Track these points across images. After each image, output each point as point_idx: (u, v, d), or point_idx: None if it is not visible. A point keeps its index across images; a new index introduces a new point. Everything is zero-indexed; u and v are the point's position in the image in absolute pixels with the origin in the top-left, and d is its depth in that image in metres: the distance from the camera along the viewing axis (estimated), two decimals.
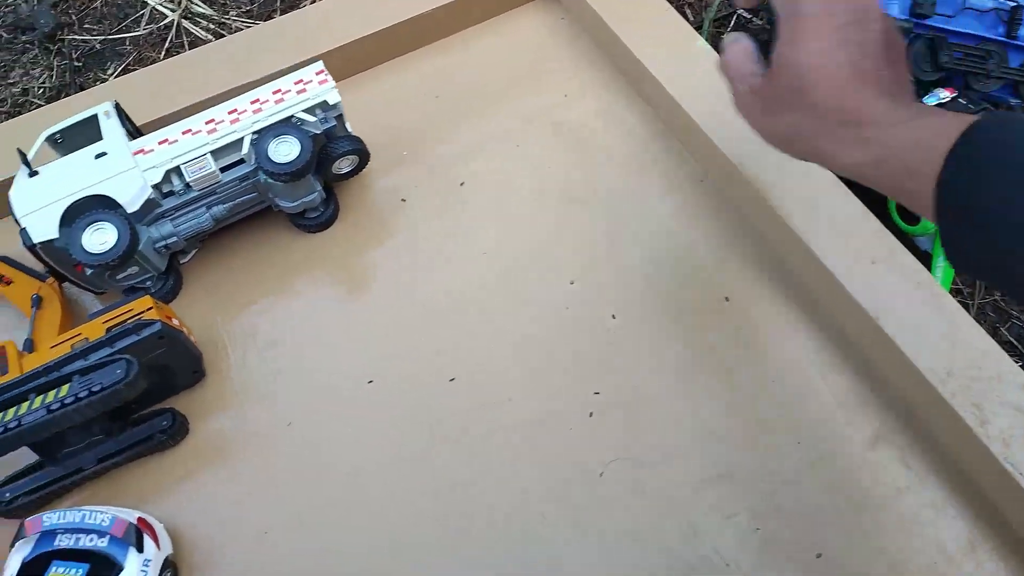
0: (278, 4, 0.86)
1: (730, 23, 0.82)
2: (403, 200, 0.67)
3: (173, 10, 0.85)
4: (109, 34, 0.84)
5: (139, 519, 0.50)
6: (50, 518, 0.49)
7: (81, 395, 0.49)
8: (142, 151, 0.57)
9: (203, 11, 0.85)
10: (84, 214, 0.55)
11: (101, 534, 0.49)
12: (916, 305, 0.56)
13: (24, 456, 0.54)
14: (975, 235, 0.34)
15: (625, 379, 0.58)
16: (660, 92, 0.69)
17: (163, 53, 0.82)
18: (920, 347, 0.54)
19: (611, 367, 0.59)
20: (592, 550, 0.52)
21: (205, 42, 0.82)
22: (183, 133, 0.57)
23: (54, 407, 0.49)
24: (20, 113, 0.79)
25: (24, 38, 0.83)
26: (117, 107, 0.60)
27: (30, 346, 0.56)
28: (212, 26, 0.84)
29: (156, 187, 0.57)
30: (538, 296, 0.62)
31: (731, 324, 0.60)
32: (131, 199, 0.56)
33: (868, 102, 0.39)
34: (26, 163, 0.56)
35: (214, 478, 0.56)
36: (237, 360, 0.60)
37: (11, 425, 0.48)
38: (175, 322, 0.55)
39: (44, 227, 0.54)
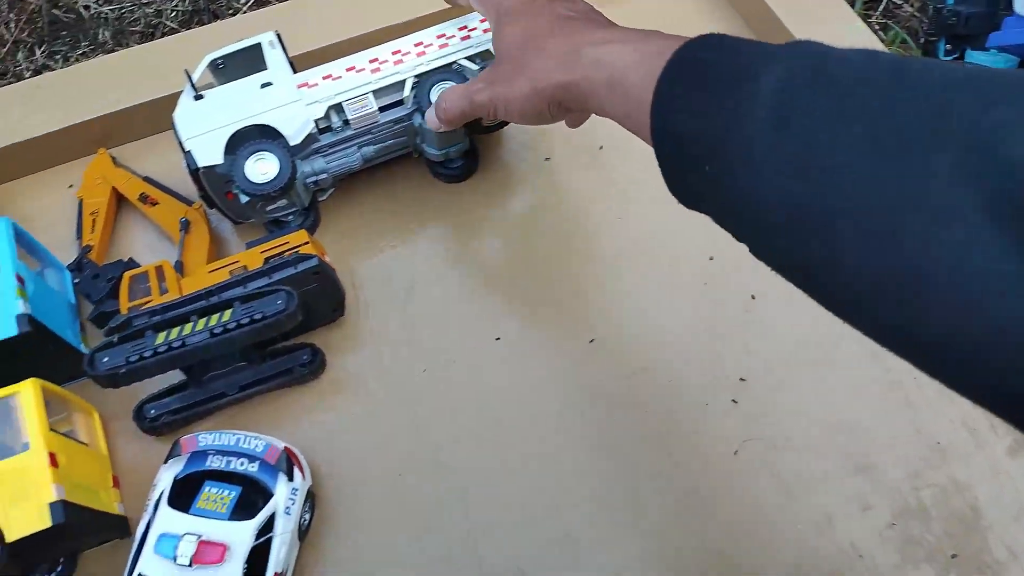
0: None
1: (879, 6, 0.80)
2: (547, 159, 0.66)
3: None
4: None
5: (286, 448, 0.51)
6: (205, 439, 0.50)
7: (243, 322, 0.50)
8: (306, 84, 0.57)
9: None
10: (248, 143, 0.56)
11: (252, 459, 0.50)
12: None
13: (167, 377, 0.55)
14: (679, 161, 0.34)
15: (765, 362, 0.58)
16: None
17: None
18: None
19: (750, 348, 0.58)
20: (720, 529, 0.52)
21: None
22: (347, 70, 0.57)
23: (217, 331, 0.50)
24: (152, 35, 0.79)
25: None
26: (279, 38, 0.59)
27: (180, 269, 0.57)
28: None
29: (316, 122, 0.57)
30: (678, 269, 0.61)
31: None
32: (294, 132, 0.56)
33: (585, 29, 0.42)
34: (192, 86, 0.56)
35: (350, 416, 0.56)
36: (372, 302, 0.60)
37: (175, 345, 0.49)
38: (327, 259, 0.55)
39: (209, 152, 0.55)
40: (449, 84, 0.57)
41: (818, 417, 0.56)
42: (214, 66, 0.58)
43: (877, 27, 0.79)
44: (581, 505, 0.53)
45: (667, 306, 0.60)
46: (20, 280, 0.51)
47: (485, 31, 0.59)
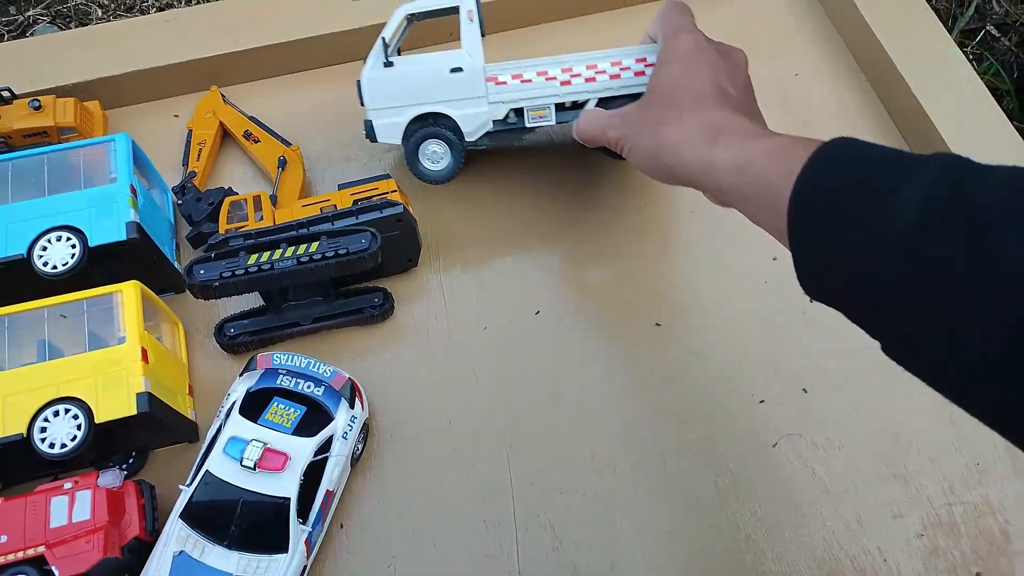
0: None
1: (977, 37, 0.80)
2: None
3: None
4: None
5: (351, 379, 0.55)
6: (279, 358, 0.54)
7: (328, 254, 0.54)
8: (495, 80, 0.55)
9: None
10: (425, 126, 0.56)
11: (319, 383, 0.53)
12: None
13: (248, 300, 0.59)
14: (816, 259, 0.35)
15: (817, 364, 0.59)
16: (897, 84, 0.68)
17: None
18: None
19: (804, 348, 0.59)
20: (751, 515, 0.54)
21: None
22: (538, 74, 0.55)
23: (303, 259, 0.53)
24: None
25: None
26: (478, 5, 0.56)
27: (274, 201, 0.61)
28: None
29: (494, 121, 0.57)
30: (744, 265, 0.63)
31: None
32: (473, 130, 0.57)
33: (728, 116, 0.43)
34: (385, 49, 0.55)
35: (410, 361, 0.59)
36: (446, 259, 0.63)
37: (265, 267, 0.53)
38: (411, 209, 0.59)
39: (390, 132, 0.57)
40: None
41: (862, 422, 0.57)
42: (409, 18, 0.57)
43: (972, 56, 0.79)
44: (618, 473, 0.55)
45: (730, 300, 0.62)
46: (133, 191, 0.56)
47: None
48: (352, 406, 0.53)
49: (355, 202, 0.57)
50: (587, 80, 0.55)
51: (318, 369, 0.54)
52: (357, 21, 0.71)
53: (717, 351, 0.60)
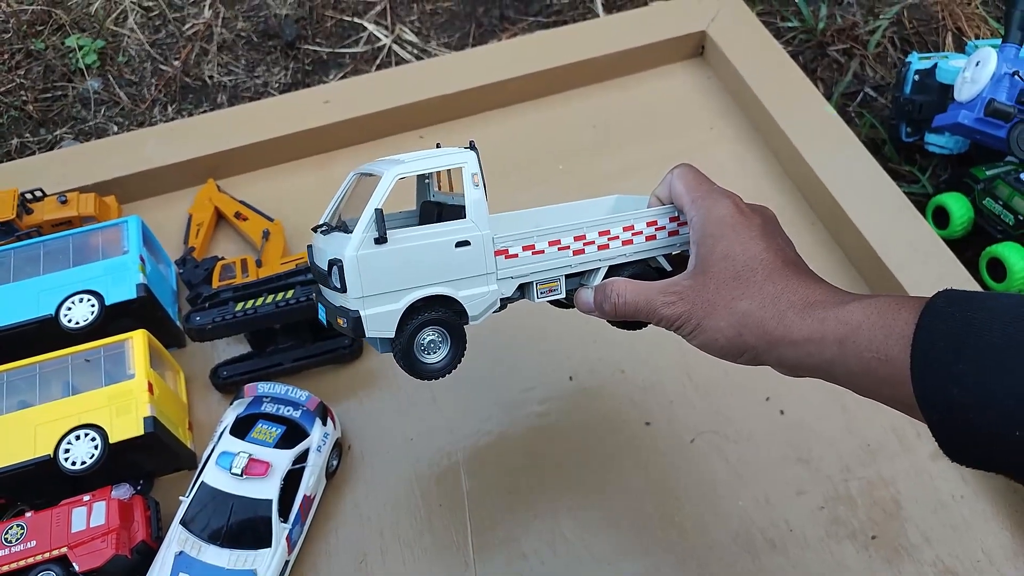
0: (470, 40, 1.03)
1: (857, 99, 0.93)
2: None
3: (387, 36, 1.04)
4: (335, 48, 1.03)
5: (323, 401, 0.64)
6: (263, 387, 0.64)
7: (302, 299, 0.64)
8: (504, 253, 0.48)
9: (411, 39, 1.03)
10: (424, 312, 0.46)
11: (297, 406, 0.63)
12: None
13: (238, 347, 0.70)
14: (957, 428, 0.33)
15: (724, 369, 0.68)
16: (786, 145, 0.80)
17: (374, 67, 1.00)
18: None
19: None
20: (674, 499, 0.62)
21: (408, 63, 0.99)
22: (550, 244, 0.49)
23: (281, 304, 0.64)
24: (259, 99, 0.98)
25: (270, 43, 1.03)
26: (479, 162, 0.47)
27: (259, 263, 0.72)
28: (416, 51, 1.02)
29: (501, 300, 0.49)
30: None
31: None
32: (479, 313, 0.48)
33: (808, 285, 0.40)
34: (379, 222, 0.44)
35: (378, 390, 0.69)
36: None
37: (249, 311, 0.64)
38: None
39: (382, 323, 0.46)
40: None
41: (767, 415, 0.66)
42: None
43: (854, 114, 0.91)
44: (562, 475, 0.64)
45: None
46: (142, 260, 0.67)
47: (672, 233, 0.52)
48: (324, 423, 0.62)
49: None
50: (600, 248, 0.49)
51: (296, 395, 0.63)
52: (326, 118, 0.84)
53: (638, 367, 0.69)
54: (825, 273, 0.74)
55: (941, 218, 0.76)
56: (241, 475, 0.58)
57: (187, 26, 1.05)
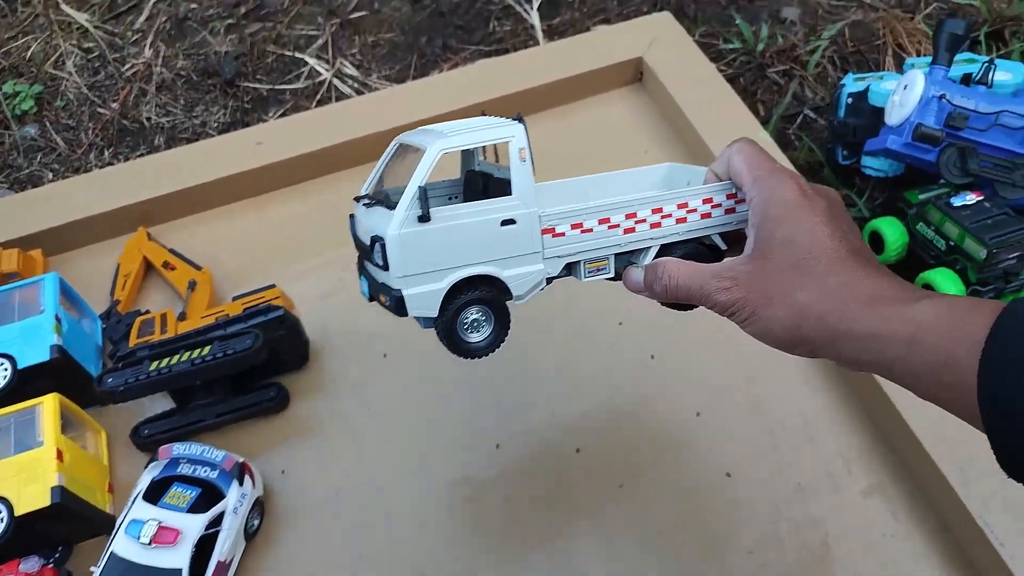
0: (411, 72, 1.02)
1: (797, 121, 0.92)
2: None
3: (328, 70, 1.03)
4: (275, 84, 1.02)
5: (242, 462, 0.63)
6: (178, 448, 0.62)
7: (218, 355, 0.63)
8: (552, 231, 0.46)
9: (352, 73, 1.02)
10: (468, 292, 0.45)
11: (213, 467, 0.62)
12: None
13: (161, 404, 0.68)
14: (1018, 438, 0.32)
15: (661, 416, 0.67)
16: None
17: (315, 103, 1.00)
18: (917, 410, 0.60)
19: (651, 398, 0.68)
20: (606, 546, 0.61)
21: (349, 97, 0.98)
22: (600, 222, 0.47)
23: (197, 361, 0.63)
24: (197, 140, 0.97)
25: (210, 81, 1.02)
26: (527, 138, 0.45)
27: (183, 316, 0.71)
28: (356, 85, 1.01)
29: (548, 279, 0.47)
30: (592, 328, 0.72)
31: (748, 376, 0.68)
32: (524, 292, 0.47)
33: (875, 278, 0.38)
34: (423, 203, 0.42)
35: (303, 444, 0.68)
36: (339, 354, 0.73)
37: (164, 371, 0.63)
38: (295, 311, 0.69)
39: (425, 303, 0.45)
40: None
41: (701, 458, 0.64)
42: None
43: (793, 136, 0.90)
44: (483, 538, 0.63)
45: (581, 362, 0.71)
46: (58, 319, 0.66)
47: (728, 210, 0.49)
48: (242, 483, 0.61)
49: (244, 309, 0.67)
50: (652, 226, 0.47)
51: (212, 455, 0.62)
52: (259, 160, 0.83)
53: (565, 438, 0.68)
54: None
55: (878, 242, 0.75)
56: (150, 544, 0.56)
57: (127, 67, 1.04)
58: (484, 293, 0.45)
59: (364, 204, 0.47)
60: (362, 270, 0.49)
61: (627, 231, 0.47)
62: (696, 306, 0.46)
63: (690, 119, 0.83)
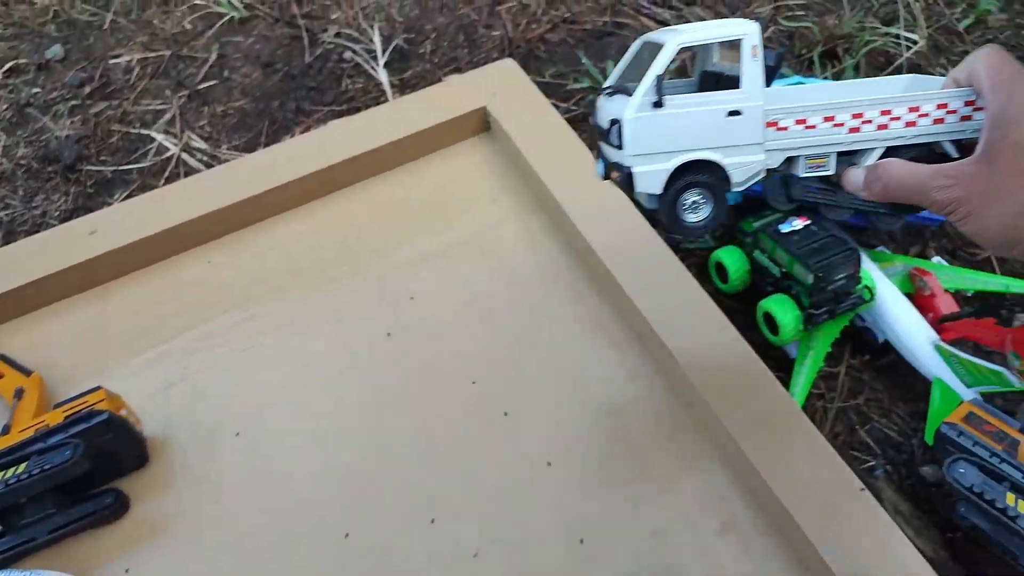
0: (262, 140, 1.00)
1: None
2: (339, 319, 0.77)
3: (176, 144, 1.00)
4: (120, 165, 0.99)
5: None
6: None
7: (34, 472, 0.59)
8: (775, 125, 0.49)
9: (200, 146, 1.00)
10: (690, 174, 0.49)
11: None
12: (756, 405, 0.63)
13: None
14: None
15: (505, 470, 0.66)
16: (567, 220, 0.79)
17: (163, 180, 0.96)
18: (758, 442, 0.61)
19: (498, 457, 0.66)
20: None
21: (198, 171, 0.96)
22: (824, 119, 0.49)
23: (11, 482, 0.59)
24: (38, 231, 0.93)
25: (50, 168, 0.98)
26: (759, 29, 0.48)
27: (7, 430, 0.67)
28: (206, 158, 0.98)
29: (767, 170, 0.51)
30: (444, 393, 0.71)
31: (608, 417, 0.68)
32: (744, 180, 0.50)
33: None
34: (659, 89, 0.47)
35: (149, 551, 0.64)
36: (184, 445, 0.70)
37: None
38: (123, 412, 0.65)
39: (651, 182, 0.49)
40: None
41: (553, 516, 0.63)
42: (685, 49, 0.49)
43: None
44: None
45: (437, 421, 0.69)
46: None
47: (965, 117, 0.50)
48: None
49: (66, 417, 0.63)
50: (879, 127, 0.49)
51: None
52: (96, 249, 0.80)
53: (425, 476, 0.66)
54: (613, 343, 0.74)
55: (723, 272, 0.76)
56: None
57: None
58: (705, 177, 0.49)
59: (607, 93, 0.52)
60: (598, 154, 0.54)
61: (851, 130, 0.49)
62: (919, 209, 0.48)
63: (533, 166, 0.83)
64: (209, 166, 0.97)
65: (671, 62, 0.47)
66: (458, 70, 1.06)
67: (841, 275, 0.68)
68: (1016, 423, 0.59)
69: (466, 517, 0.64)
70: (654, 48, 0.48)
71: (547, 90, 0.97)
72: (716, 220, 0.51)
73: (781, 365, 0.70)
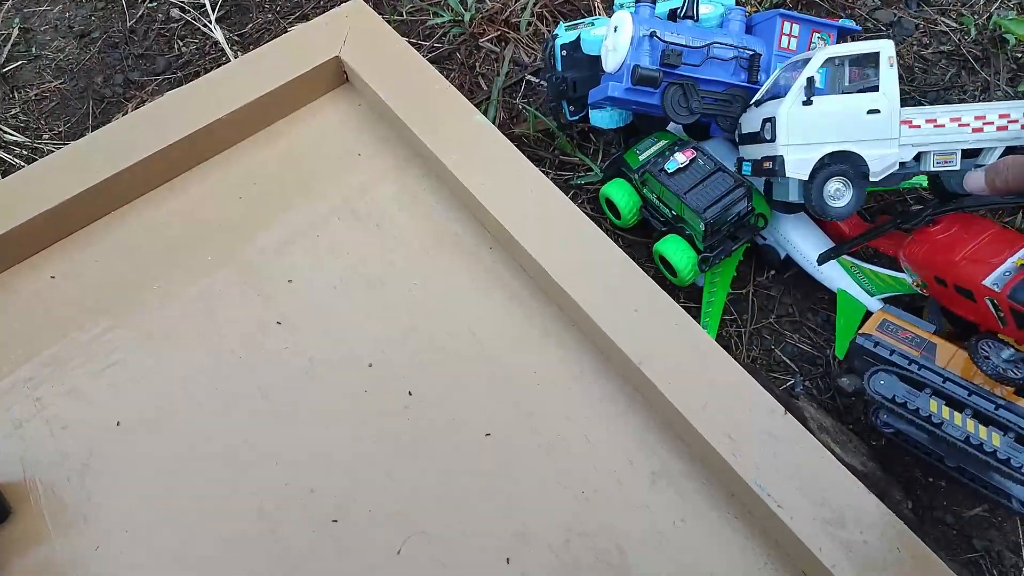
0: (90, 123, 0.88)
1: (520, 89, 0.87)
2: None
3: None
4: None
5: None
6: None
7: None
8: (908, 123, 0.58)
9: (16, 139, 0.87)
10: (831, 164, 0.58)
11: None
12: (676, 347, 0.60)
13: None
14: None
15: (419, 456, 0.61)
16: (445, 171, 0.72)
17: None
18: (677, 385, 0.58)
19: (407, 444, 0.61)
20: None
21: (18, 168, 0.83)
22: (951, 120, 0.58)
23: None
24: None
25: None
26: (893, 44, 0.59)
27: None
28: (26, 152, 0.86)
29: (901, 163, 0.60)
30: (340, 379, 0.64)
31: (520, 377, 0.63)
32: (879, 171, 0.59)
33: None
34: (808, 90, 0.58)
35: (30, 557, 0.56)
36: (49, 487, 0.61)
37: None
38: None
39: (799, 168, 0.59)
40: None
41: (476, 500, 0.59)
42: (830, 62, 0.60)
43: (522, 107, 0.85)
44: None
45: (330, 411, 0.63)
46: None
47: None
48: None
49: None
50: (999, 128, 0.58)
51: None
52: None
53: (331, 473, 0.60)
54: (513, 295, 0.69)
55: (615, 208, 0.72)
56: None
57: None
58: (847, 167, 0.58)
59: (755, 104, 0.64)
60: (739, 161, 0.66)
61: (975, 130, 0.58)
62: None
63: (400, 116, 0.75)
64: (30, 160, 0.85)
65: (819, 70, 0.58)
66: (304, 17, 0.96)
67: (733, 215, 0.65)
68: (929, 325, 0.59)
69: (381, 512, 0.59)
70: (803, 63, 0.59)
71: (405, 30, 0.89)
72: (858, 206, 0.59)
73: (689, 294, 0.68)
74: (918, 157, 0.59)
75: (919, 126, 0.58)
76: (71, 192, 0.73)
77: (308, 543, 0.58)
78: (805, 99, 0.58)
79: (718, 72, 0.70)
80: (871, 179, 0.59)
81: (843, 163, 0.58)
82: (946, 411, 0.53)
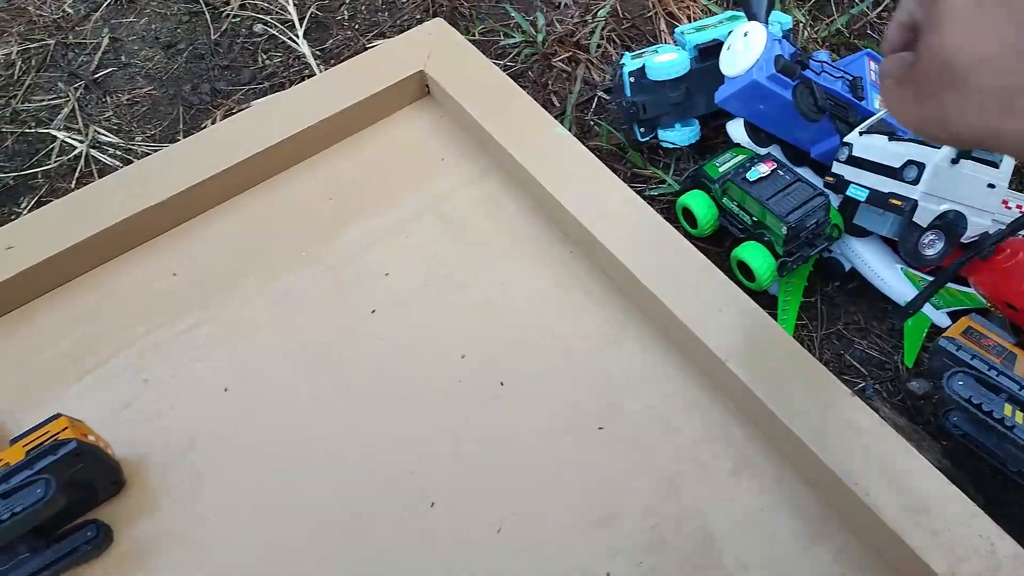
0: (181, 127, 0.92)
1: (592, 105, 0.91)
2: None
3: (81, 141, 0.91)
4: (21, 170, 0.89)
5: None
6: None
7: (4, 517, 0.53)
8: (1006, 203, 0.69)
9: (110, 139, 0.91)
10: (937, 217, 0.65)
11: None
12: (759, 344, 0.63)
13: None
14: None
15: (512, 439, 0.64)
16: (528, 177, 0.77)
17: (74, 183, 0.88)
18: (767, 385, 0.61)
19: (502, 428, 0.65)
20: None
21: (114, 169, 0.88)
22: None
23: None
24: None
25: None
26: None
27: None
28: (119, 152, 0.90)
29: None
30: (433, 372, 0.68)
31: (603, 374, 0.67)
32: (972, 233, 0.67)
33: None
34: (959, 154, 0.65)
35: None
36: (156, 464, 0.64)
37: None
38: (91, 438, 0.60)
39: (924, 215, 0.65)
40: None
41: (568, 484, 0.62)
42: None
43: (594, 123, 0.90)
44: None
45: (425, 399, 0.66)
46: None
47: None
48: None
49: (27, 452, 0.57)
50: None
51: None
52: (14, 266, 0.72)
53: (428, 461, 0.64)
54: (593, 301, 0.73)
55: (691, 218, 0.76)
56: None
57: None
58: (945, 223, 0.65)
59: (860, 132, 0.70)
60: (848, 185, 0.70)
61: None
62: None
63: (483, 125, 0.80)
64: (126, 162, 0.89)
65: None
66: (382, 35, 1.01)
67: (812, 222, 0.69)
68: (1011, 337, 0.62)
69: (478, 495, 0.62)
70: None
71: (479, 49, 0.94)
72: (943, 258, 0.67)
73: (761, 301, 0.71)
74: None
75: (1011, 208, 0.68)
76: (169, 192, 0.77)
77: (407, 525, 0.61)
78: (954, 158, 0.64)
79: (832, 84, 0.75)
80: (962, 240, 0.67)
81: (944, 218, 0.65)
82: (1019, 416, 0.56)
